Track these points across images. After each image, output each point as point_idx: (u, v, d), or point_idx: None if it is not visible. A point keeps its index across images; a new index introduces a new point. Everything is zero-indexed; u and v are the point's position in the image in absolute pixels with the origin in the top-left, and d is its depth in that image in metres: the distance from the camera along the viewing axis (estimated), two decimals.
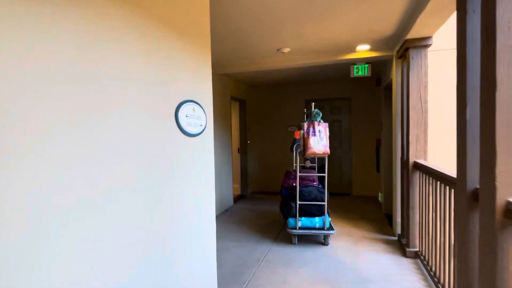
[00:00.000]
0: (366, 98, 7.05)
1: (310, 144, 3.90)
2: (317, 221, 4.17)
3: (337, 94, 7.22)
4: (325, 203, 4.11)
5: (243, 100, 7.29)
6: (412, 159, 3.69)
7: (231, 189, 6.52)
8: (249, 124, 7.61)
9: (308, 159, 5.23)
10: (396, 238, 4.40)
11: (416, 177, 3.66)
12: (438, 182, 2.91)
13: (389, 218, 5.33)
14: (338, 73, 6.25)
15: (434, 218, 3.06)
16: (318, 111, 4.05)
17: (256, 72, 5.84)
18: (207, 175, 2.48)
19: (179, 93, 2.04)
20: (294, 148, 4.89)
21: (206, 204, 2.50)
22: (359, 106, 7.12)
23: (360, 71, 5.22)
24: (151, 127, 1.82)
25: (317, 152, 3.87)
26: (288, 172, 4.93)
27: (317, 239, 4.39)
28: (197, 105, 2.15)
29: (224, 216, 5.73)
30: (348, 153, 7.29)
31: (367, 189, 7.15)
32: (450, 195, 2.58)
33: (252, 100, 7.74)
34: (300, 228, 4.16)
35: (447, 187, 2.67)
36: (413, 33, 3.45)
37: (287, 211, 4.30)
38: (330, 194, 7.24)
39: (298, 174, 4.31)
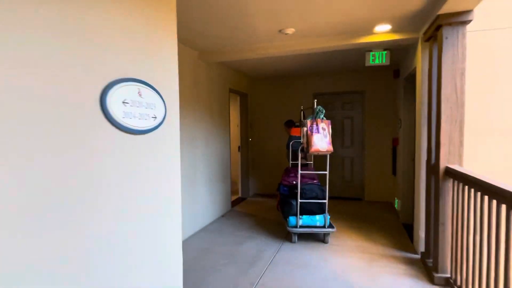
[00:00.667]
0: (382, 92, 6.31)
1: (314, 141, 3.80)
2: (317, 219, 4.13)
3: (349, 88, 6.49)
4: (326, 201, 4.09)
5: (245, 93, 6.62)
6: (443, 163, 2.97)
7: (229, 192, 5.86)
8: (251, 120, 6.93)
9: (303, 157, 5.05)
10: (418, 256, 3.70)
11: (448, 186, 2.95)
12: (486, 197, 2.20)
13: (408, 228, 4.61)
14: (351, 63, 5.52)
15: (476, 240, 2.36)
16: (321, 107, 3.94)
17: (256, 61, 5.16)
18: (168, 194, 1.79)
19: (109, 67, 1.37)
20: (291, 146, 4.91)
21: (166, 245, 1.84)
22: (373, 101, 6.39)
23: (377, 59, 4.50)
24: (55, 120, 1.17)
25: (321, 149, 3.80)
26: (287, 170, 4.70)
27: (317, 237, 4.32)
28: (147, 88, 1.49)
29: (218, 223, 5.08)
30: (360, 153, 6.57)
31: (381, 194, 6.42)
32: (510, 216, 1.88)
33: (255, 94, 7.06)
34: (301, 227, 4.11)
35: (502, 205, 1.97)
36: (448, 7, 2.74)
37: (287, 210, 4.20)
38: (339, 198, 6.54)
39: (300, 172, 4.19)
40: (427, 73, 3.44)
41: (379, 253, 3.79)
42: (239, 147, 6.61)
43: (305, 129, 3.96)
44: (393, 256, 3.72)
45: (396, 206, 5.38)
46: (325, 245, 4.06)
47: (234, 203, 6.23)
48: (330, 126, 3.94)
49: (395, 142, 5.56)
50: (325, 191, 4.11)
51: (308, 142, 3.86)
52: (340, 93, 6.58)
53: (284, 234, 4.48)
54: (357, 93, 6.51)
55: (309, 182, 4.34)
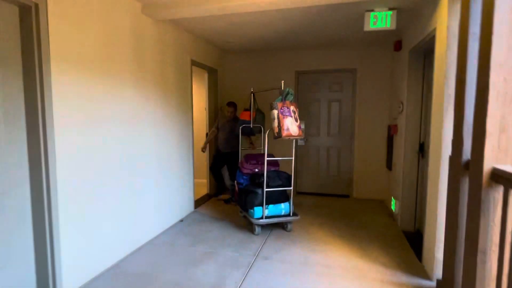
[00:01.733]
0: (377, 70, 5.32)
1: (286, 125, 3.60)
2: (283, 207, 3.95)
3: (339, 65, 5.46)
4: (292, 188, 4.01)
5: (214, 69, 5.47)
6: (488, 162, 1.98)
7: (192, 189, 4.78)
8: (222, 103, 5.81)
9: (252, 142, 5.32)
10: (432, 284, 2.77)
11: (496, 196, 1.97)
12: None
13: (410, 238, 3.69)
14: (341, 31, 4.46)
15: None
16: (291, 89, 3.78)
17: (225, 26, 4.02)
18: None
19: None
20: (240, 130, 4.79)
21: None
22: (366, 81, 5.39)
23: (380, 22, 3.47)
24: None
25: (293, 134, 3.63)
26: (248, 157, 4.28)
27: (280, 226, 4.14)
28: None
29: (172, 233, 4.00)
30: (349, 142, 5.61)
31: (373, 191, 5.51)
32: None
33: (227, 70, 5.93)
34: (267, 217, 3.86)
35: None
36: None
37: (251, 200, 3.89)
38: (323, 195, 5.62)
39: (267, 158, 3.93)
40: (458, 35, 2.42)
41: (379, 279, 2.83)
42: (207, 134, 5.50)
43: (275, 112, 3.64)
44: (398, 283, 2.77)
45: (393, 207, 4.46)
46: (311, 267, 3.07)
47: (199, 203, 5.16)
48: (297, 109, 3.79)
49: (392, 130, 4.61)
50: (290, 178, 4.02)
51: (280, 126, 3.59)
52: (328, 71, 5.54)
53: (255, 246, 3.46)
54: (347, 72, 5.49)
55: (273, 169, 4.11)
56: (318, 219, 4.41)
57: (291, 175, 4.02)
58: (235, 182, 4.46)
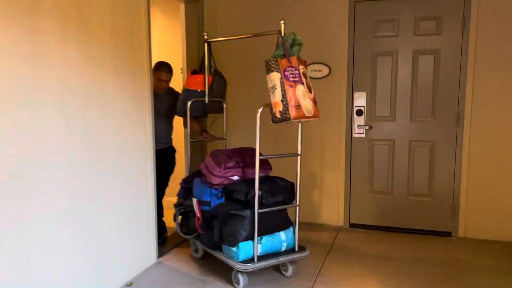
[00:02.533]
0: None
1: (296, 98, 2.06)
2: (283, 238, 2.41)
3: None
4: (297, 203, 2.47)
5: None
6: None
7: (153, 227, 2.43)
8: (214, 63, 3.25)
9: (205, 130, 3.06)
10: None
11: None
12: None
13: None
14: None
15: None
16: (297, 36, 2.17)
17: None
18: None
19: None
20: (188, 108, 2.77)
21: None
22: (497, 13, 2.73)
23: None
24: None
25: (307, 114, 2.10)
26: (219, 155, 2.47)
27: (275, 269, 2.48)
28: None
29: None
30: (452, 133, 2.96)
31: (504, 226, 2.87)
32: None
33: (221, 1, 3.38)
34: (260, 258, 2.30)
35: None
36: None
37: (232, 231, 2.28)
38: (395, 230, 3.14)
39: (260, 156, 2.28)
40: None
41: None
42: (185, 122, 2.96)
43: (276, 76, 2.05)
44: None
45: None
46: None
47: (170, 245, 2.80)
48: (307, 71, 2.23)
49: None
50: (293, 187, 2.49)
51: (287, 101, 2.03)
52: None
53: None
54: None
55: (263, 175, 2.46)
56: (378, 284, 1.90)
57: (294, 183, 2.54)
58: (184, 202, 2.68)
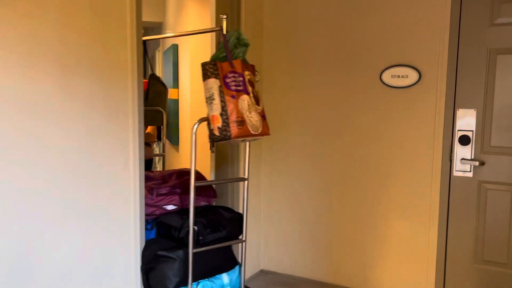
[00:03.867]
0: None
1: (238, 111, 1.76)
2: (226, 282, 2.14)
3: None
4: (244, 238, 2.16)
5: None
6: None
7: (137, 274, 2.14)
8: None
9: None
10: None
11: None
12: None
13: None
14: None
15: None
16: (242, 35, 1.85)
17: None
18: None
19: None
20: None
21: None
22: None
23: None
24: None
25: (252, 130, 1.80)
26: (149, 178, 2.23)
27: None
28: None
29: None
30: None
31: None
32: None
33: None
34: None
35: None
36: None
37: (160, 278, 1.96)
38: None
39: (195, 181, 1.98)
40: None
41: None
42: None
43: (214, 83, 1.75)
44: None
45: None
46: None
47: None
48: (256, 78, 1.93)
49: None
50: (241, 219, 2.17)
51: (227, 114, 1.74)
52: None
53: None
54: None
55: (204, 203, 2.21)
56: None
57: (241, 214, 2.20)
58: None
